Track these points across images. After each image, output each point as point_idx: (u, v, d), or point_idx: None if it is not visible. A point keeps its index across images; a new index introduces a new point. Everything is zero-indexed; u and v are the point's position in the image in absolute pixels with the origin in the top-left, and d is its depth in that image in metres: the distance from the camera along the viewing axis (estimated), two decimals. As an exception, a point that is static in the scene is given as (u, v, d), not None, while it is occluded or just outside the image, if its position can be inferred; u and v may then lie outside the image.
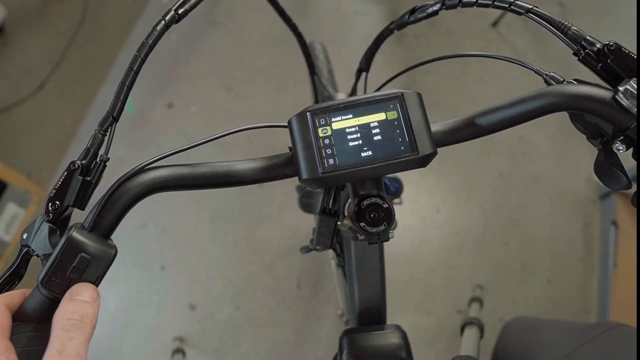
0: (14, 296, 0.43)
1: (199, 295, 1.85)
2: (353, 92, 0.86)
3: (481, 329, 1.48)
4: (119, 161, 2.06)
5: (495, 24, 2.37)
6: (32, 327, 0.41)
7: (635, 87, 0.46)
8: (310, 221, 1.92)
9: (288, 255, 1.90)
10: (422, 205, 1.98)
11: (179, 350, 1.72)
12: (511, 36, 2.36)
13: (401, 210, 1.94)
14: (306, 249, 0.66)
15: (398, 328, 0.76)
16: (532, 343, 0.92)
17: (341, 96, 1.15)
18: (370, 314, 0.80)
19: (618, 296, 1.70)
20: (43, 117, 2.28)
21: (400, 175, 1.08)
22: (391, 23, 0.68)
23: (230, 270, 1.89)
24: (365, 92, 0.76)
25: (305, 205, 1.10)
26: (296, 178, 0.49)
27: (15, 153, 2.18)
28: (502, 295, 1.81)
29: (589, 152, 2.03)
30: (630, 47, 0.49)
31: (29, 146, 2.21)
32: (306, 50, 0.90)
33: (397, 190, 1.04)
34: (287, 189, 1.97)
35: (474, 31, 2.39)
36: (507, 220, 1.94)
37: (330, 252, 1.34)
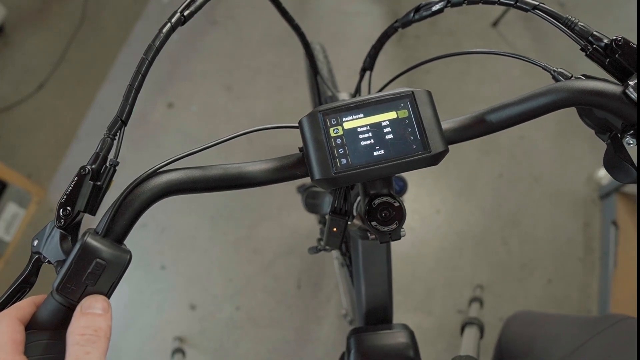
0: (25, 307, 0.43)
1: (199, 295, 1.85)
2: (357, 91, 0.86)
3: (481, 329, 1.48)
4: (119, 161, 2.06)
5: (495, 23, 2.37)
6: (48, 335, 0.41)
7: None
8: (310, 221, 1.92)
9: (288, 255, 1.90)
10: (422, 205, 1.98)
11: (179, 350, 1.72)
12: (511, 36, 2.37)
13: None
14: (315, 250, 0.66)
15: (405, 327, 0.76)
16: (537, 337, 0.92)
17: (344, 96, 1.14)
18: (377, 313, 0.80)
19: (618, 296, 1.70)
20: (43, 117, 2.27)
21: (402, 174, 1.08)
22: (396, 21, 0.68)
23: (230, 270, 1.89)
24: (369, 91, 0.76)
25: (311, 205, 1.09)
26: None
27: (15, 153, 2.18)
28: (502, 295, 1.82)
29: (589, 152, 2.04)
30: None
31: (29, 146, 2.21)
32: (309, 50, 0.90)
33: (401, 189, 1.05)
34: (286, 188, 1.97)
35: (475, 31, 2.40)
36: (507, 220, 1.94)
37: (334, 252, 1.34)
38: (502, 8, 0.54)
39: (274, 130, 0.51)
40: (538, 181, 2.00)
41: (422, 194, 2.00)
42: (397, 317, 1.82)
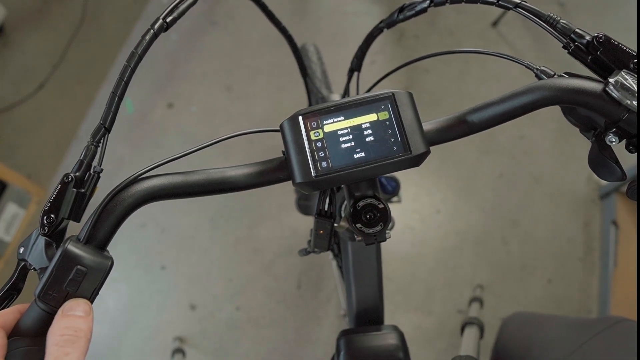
0: (8, 314, 0.43)
1: (199, 295, 1.85)
2: (346, 92, 0.86)
3: (481, 329, 1.48)
4: (119, 161, 2.07)
5: (495, 23, 2.36)
6: (29, 342, 0.41)
7: (627, 78, 0.45)
8: (310, 221, 1.92)
9: (288, 255, 1.90)
10: (422, 205, 1.97)
11: (179, 350, 1.72)
12: (511, 36, 2.36)
13: (401, 210, 1.94)
14: (304, 252, 0.65)
15: (395, 329, 0.75)
16: (534, 339, 0.91)
17: (335, 97, 1.15)
18: (367, 315, 0.80)
19: (618, 296, 1.69)
20: (43, 117, 2.28)
21: (398, 174, 1.07)
22: (381, 22, 0.68)
23: (230, 270, 1.89)
24: (357, 92, 0.76)
25: (303, 207, 1.10)
26: None
27: (15, 153, 2.19)
28: (502, 295, 1.81)
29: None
30: (631, 45, 0.49)
31: (29, 146, 2.21)
32: (297, 53, 0.90)
33: (394, 189, 1.04)
34: (286, 188, 1.96)
35: (474, 31, 2.39)
36: (507, 220, 1.93)
37: (331, 252, 1.33)
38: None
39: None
40: (538, 181, 2.00)
41: (422, 194, 1.99)
42: (398, 317, 1.83)
